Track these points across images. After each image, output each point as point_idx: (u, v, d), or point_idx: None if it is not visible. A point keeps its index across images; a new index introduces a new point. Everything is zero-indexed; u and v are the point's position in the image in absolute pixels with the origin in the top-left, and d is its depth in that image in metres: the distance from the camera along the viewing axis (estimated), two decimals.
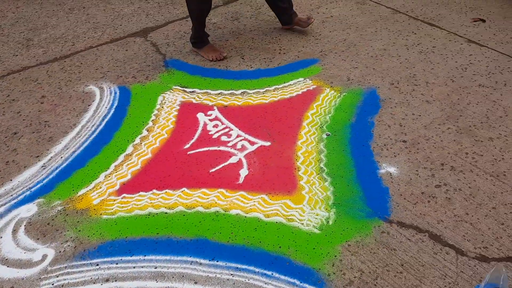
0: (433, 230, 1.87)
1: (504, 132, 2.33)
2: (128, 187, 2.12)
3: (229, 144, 2.32)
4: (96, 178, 2.16)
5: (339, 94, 2.63)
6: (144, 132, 2.42)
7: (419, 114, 2.47)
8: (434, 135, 2.33)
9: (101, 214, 1.99)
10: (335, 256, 1.77)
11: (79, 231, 1.91)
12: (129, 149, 2.32)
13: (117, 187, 2.12)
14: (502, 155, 2.20)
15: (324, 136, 2.35)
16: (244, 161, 2.23)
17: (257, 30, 3.27)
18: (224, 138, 2.36)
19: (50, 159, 2.26)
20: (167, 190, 2.09)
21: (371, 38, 3.14)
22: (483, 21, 3.29)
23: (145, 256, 1.81)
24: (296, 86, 2.70)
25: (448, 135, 2.33)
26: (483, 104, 2.52)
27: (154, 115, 2.54)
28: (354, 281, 1.68)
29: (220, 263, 1.76)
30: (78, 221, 1.95)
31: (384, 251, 1.79)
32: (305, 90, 2.67)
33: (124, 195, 2.08)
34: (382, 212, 1.95)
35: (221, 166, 2.21)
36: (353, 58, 2.93)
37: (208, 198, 2.04)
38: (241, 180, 2.13)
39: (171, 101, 2.63)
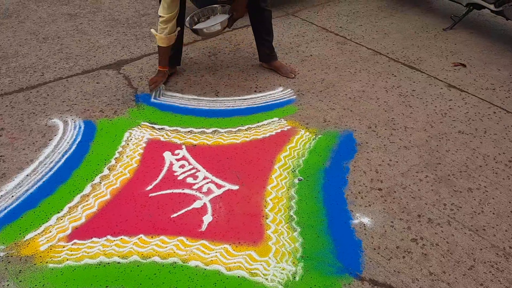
0: None
1: (484, 183, 2.23)
2: (81, 232, 1.95)
3: (195, 187, 2.18)
4: (47, 221, 1.99)
5: (314, 136, 2.52)
6: (105, 171, 2.26)
7: (396, 161, 2.36)
8: (411, 184, 2.22)
9: (47, 262, 1.81)
10: None
11: (20, 281, 1.73)
12: (87, 189, 2.16)
13: (69, 231, 1.95)
14: (482, 208, 2.09)
15: (296, 181, 2.22)
16: (208, 206, 2.08)
17: (234, 67, 3.18)
18: (189, 180, 2.22)
19: None
20: (122, 237, 1.92)
21: (350, 79, 3.07)
22: (464, 66, 3.25)
23: None
24: (270, 126, 2.59)
25: (425, 184, 2.22)
26: (463, 152, 2.43)
27: (118, 152, 2.39)
28: None
29: None
30: (20, 270, 1.77)
31: None
32: (279, 130, 2.56)
33: (75, 241, 1.91)
34: (354, 267, 1.81)
35: (183, 211, 2.05)
36: (330, 99, 2.84)
37: (166, 247, 1.88)
38: (203, 227, 1.97)
39: (137, 138, 2.49)
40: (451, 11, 4.06)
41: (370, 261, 1.83)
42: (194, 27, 2.84)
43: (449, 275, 1.79)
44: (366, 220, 2.02)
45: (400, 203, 2.11)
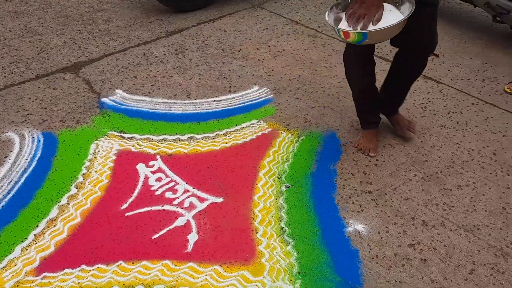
0: None
1: (472, 179, 2.18)
2: (51, 263, 1.73)
3: (175, 202, 2.00)
4: (10, 253, 1.76)
5: (297, 138, 2.39)
6: (73, 190, 2.04)
7: (383, 160, 2.28)
8: (401, 184, 2.14)
9: None
10: None
11: None
12: (54, 212, 1.94)
13: (37, 263, 1.73)
14: (474, 206, 2.04)
15: (284, 188, 2.09)
16: (193, 223, 1.91)
17: (204, 65, 2.99)
18: (169, 194, 2.04)
19: None
20: (99, 265, 1.73)
21: (326, 74, 2.96)
22: (437, 56, 3.22)
23: None
24: (249, 130, 2.44)
25: (415, 183, 2.15)
26: (447, 147, 2.38)
27: (85, 167, 2.17)
28: None
29: None
30: None
31: None
32: (259, 134, 2.41)
33: (44, 274, 1.69)
34: (354, 281, 1.71)
35: (165, 230, 1.88)
36: (309, 97, 2.72)
37: (150, 274, 1.70)
38: (189, 247, 1.81)
39: (106, 149, 2.27)
40: None
41: (370, 272, 1.74)
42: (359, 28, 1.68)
43: (451, 281, 1.72)
44: (360, 227, 1.92)
45: (392, 206, 2.03)
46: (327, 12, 1.80)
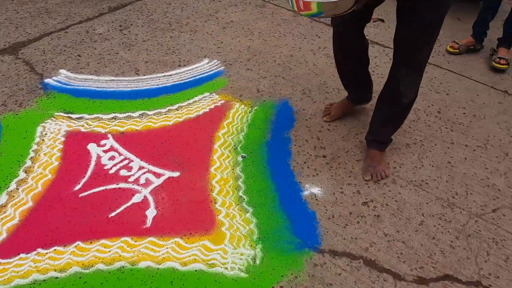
0: (367, 255, 1.72)
1: (419, 137, 2.28)
2: (4, 249, 1.68)
3: (130, 180, 1.97)
4: None
5: (250, 109, 2.40)
6: (22, 174, 1.96)
7: (335, 125, 2.33)
8: (353, 147, 2.21)
9: None
10: None
11: None
12: (2, 198, 1.86)
13: None
14: (421, 162, 2.14)
15: (240, 158, 2.11)
16: (150, 198, 1.89)
17: (151, 40, 2.92)
18: (123, 172, 2.00)
19: None
20: (56, 248, 1.69)
21: (276, 44, 2.96)
22: (382, 21, 3.29)
23: None
24: (202, 103, 2.42)
25: (366, 145, 2.22)
26: None
27: (33, 151, 2.08)
28: None
29: None
30: None
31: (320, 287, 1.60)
32: (212, 106, 2.40)
33: None
34: (312, 241, 1.76)
35: (122, 208, 1.85)
36: (260, 67, 2.72)
37: (109, 251, 1.68)
38: (148, 223, 1.80)
39: (53, 131, 2.19)
40: None
41: (327, 232, 1.80)
42: None
43: (403, 233, 1.81)
44: (316, 190, 1.98)
45: (345, 168, 2.09)
46: None
